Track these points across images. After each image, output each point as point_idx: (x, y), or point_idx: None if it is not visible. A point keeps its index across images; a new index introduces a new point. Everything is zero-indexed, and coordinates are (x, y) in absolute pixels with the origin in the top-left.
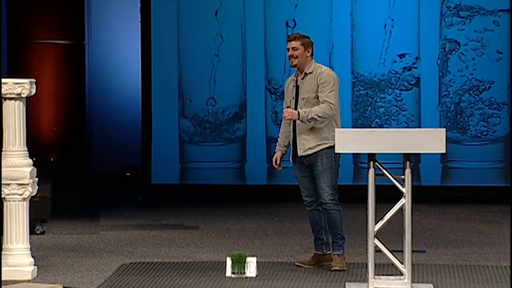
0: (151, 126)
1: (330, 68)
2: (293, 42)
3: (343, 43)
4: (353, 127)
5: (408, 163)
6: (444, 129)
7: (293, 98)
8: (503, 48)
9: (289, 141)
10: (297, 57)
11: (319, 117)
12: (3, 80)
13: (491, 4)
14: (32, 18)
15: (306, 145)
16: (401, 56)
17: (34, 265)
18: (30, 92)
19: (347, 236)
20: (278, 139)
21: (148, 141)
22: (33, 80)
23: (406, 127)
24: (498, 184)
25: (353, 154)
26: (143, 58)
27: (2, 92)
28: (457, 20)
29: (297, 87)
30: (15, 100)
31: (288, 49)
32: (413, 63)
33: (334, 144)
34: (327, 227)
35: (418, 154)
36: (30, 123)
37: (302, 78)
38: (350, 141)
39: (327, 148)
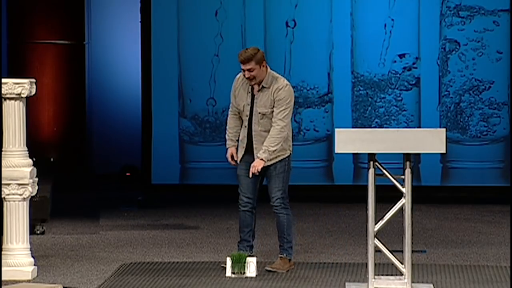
0: (151, 126)
1: (287, 81)
2: (247, 65)
3: (343, 43)
4: (353, 127)
5: (408, 163)
6: (444, 129)
7: (248, 105)
8: (503, 48)
9: (238, 136)
10: (254, 77)
11: (277, 145)
12: (3, 80)
13: (491, 4)
14: (32, 18)
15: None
16: (401, 56)
17: (34, 265)
18: (30, 92)
19: (347, 235)
20: (228, 134)
21: (148, 141)
22: (33, 80)
23: (406, 127)
24: (498, 184)
25: (353, 154)
26: (143, 58)
27: (2, 92)
28: (457, 20)
29: (253, 96)
30: (15, 100)
31: (243, 70)
32: (413, 63)
33: (291, 153)
34: (254, 230)
35: (418, 154)
36: (30, 123)
37: (259, 90)
38: (350, 141)
39: (283, 158)
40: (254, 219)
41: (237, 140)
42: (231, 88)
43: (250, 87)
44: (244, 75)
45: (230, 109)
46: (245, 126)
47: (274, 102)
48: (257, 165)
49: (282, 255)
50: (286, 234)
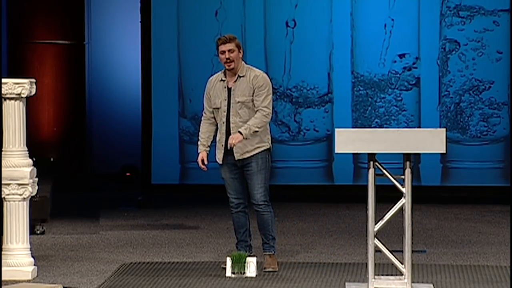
0: (151, 126)
1: (265, 72)
2: (228, 45)
3: (343, 43)
4: (353, 127)
5: (408, 163)
6: (444, 129)
7: (225, 99)
8: (503, 48)
9: (211, 141)
10: (233, 60)
11: (259, 128)
12: (3, 80)
13: (491, 4)
14: (32, 18)
15: (244, 148)
16: (401, 56)
17: (34, 265)
18: (30, 92)
19: (347, 235)
20: (200, 139)
21: (148, 141)
22: (33, 80)
23: (406, 127)
24: (498, 184)
25: (353, 154)
26: (143, 58)
27: (2, 92)
28: (457, 20)
29: (229, 89)
30: (15, 100)
31: (223, 52)
32: (413, 63)
33: (270, 147)
34: (251, 229)
35: (418, 154)
36: (30, 123)
37: (235, 81)
38: (350, 141)
39: (263, 150)
40: (248, 219)
41: (210, 145)
42: (204, 92)
43: (225, 82)
44: (223, 58)
45: (204, 115)
46: (223, 122)
47: (254, 90)
48: (235, 138)
49: (271, 253)
50: (271, 231)
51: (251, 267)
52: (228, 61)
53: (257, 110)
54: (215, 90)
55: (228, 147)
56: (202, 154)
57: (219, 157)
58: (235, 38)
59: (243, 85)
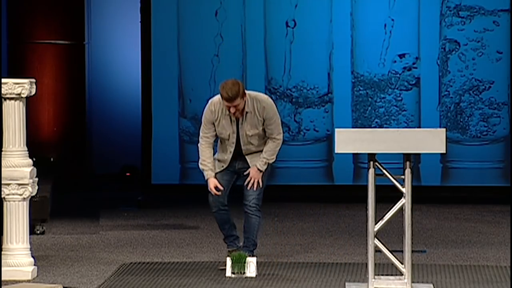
0: (151, 126)
1: (264, 94)
2: (234, 102)
3: (343, 43)
4: (353, 127)
5: (408, 163)
6: (444, 129)
7: (234, 132)
8: (503, 48)
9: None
10: (238, 109)
11: (274, 157)
12: (3, 80)
13: (491, 4)
14: (32, 18)
15: (255, 161)
16: (401, 56)
17: (34, 265)
18: (30, 92)
19: (347, 235)
20: (206, 164)
21: (148, 141)
22: (33, 80)
23: (406, 127)
24: (498, 184)
25: (353, 154)
26: (143, 58)
27: (2, 92)
28: (457, 20)
29: (237, 122)
30: (15, 100)
31: (229, 107)
32: (413, 63)
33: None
34: (234, 222)
35: (418, 154)
36: (30, 123)
37: (243, 116)
38: (350, 141)
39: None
40: (230, 214)
41: (214, 169)
42: (203, 117)
43: (229, 116)
44: (229, 111)
45: (204, 139)
46: (230, 152)
47: (264, 121)
48: (257, 177)
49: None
50: (255, 236)
51: (251, 267)
52: (235, 113)
53: (269, 138)
54: (220, 122)
55: (254, 188)
56: (214, 181)
57: (217, 169)
58: (238, 91)
59: (252, 119)
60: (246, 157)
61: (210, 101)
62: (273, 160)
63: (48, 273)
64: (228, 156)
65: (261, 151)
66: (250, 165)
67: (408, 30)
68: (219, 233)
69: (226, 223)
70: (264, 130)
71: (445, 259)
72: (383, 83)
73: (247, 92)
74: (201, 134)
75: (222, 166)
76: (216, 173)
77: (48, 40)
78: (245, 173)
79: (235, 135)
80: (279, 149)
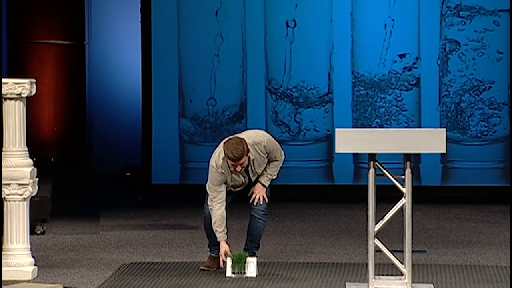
0: (151, 126)
1: (259, 133)
2: (240, 161)
3: (343, 43)
4: (353, 127)
5: (408, 163)
6: (444, 129)
7: (245, 177)
8: (503, 48)
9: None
10: (244, 166)
11: (277, 174)
12: (3, 80)
13: (491, 4)
14: (33, 18)
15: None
16: (401, 56)
17: (34, 265)
18: (31, 92)
19: (347, 236)
20: (218, 229)
21: (148, 141)
22: (33, 80)
23: (406, 127)
24: (498, 184)
25: (354, 154)
26: (143, 58)
27: (3, 92)
28: (457, 20)
29: (246, 170)
30: (15, 100)
31: (235, 166)
32: (413, 63)
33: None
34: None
35: (419, 154)
36: (30, 123)
37: (251, 164)
38: (350, 141)
39: None
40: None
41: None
42: (210, 178)
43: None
44: (234, 169)
45: (214, 200)
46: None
47: (268, 155)
48: (262, 193)
49: None
50: (258, 239)
51: (251, 267)
52: (240, 171)
53: (273, 160)
54: (232, 178)
55: (255, 203)
56: (226, 247)
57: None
58: (243, 151)
59: (259, 160)
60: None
61: (213, 163)
62: (275, 177)
63: (48, 273)
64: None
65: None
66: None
67: (408, 30)
68: None
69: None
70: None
71: (445, 259)
72: (383, 83)
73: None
74: (210, 196)
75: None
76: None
77: (49, 40)
78: (249, 194)
79: (247, 179)
80: (281, 166)
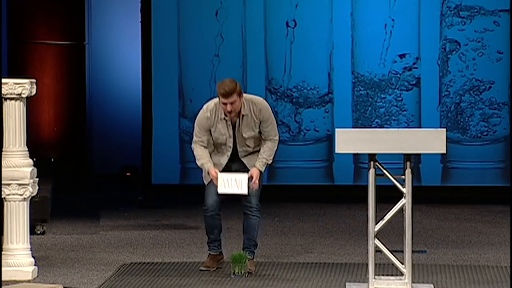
0: (152, 126)
1: (260, 97)
2: (230, 98)
3: (344, 43)
4: (353, 127)
5: (408, 163)
6: (445, 129)
7: (230, 136)
8: (504, 48)
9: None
10: (235, 109)
11: (273, 157)
12: (3, 80)
13: (491, 4)
14: (33, 18)
15: (252, 163)
16: (402, 56)
17: (35, 265)
18: (31, 92)
19: (347, 236)
20: (203, 160)
21: (149, 141)
22: (34, 80)
23: (406, 127)
24: (499, 184)
25: (354, 154)
26: (144, 58)
27: (3, 92)
28: (458, 20)
29: (233, 126)
30: (16, 100)
31: (225, 104)
32: (414, 63)
33: None
34: (221, 230)
35: (419, 154)
36: (31, 123)
37: (240, 119)
38: (350, 141)
39: None
40: (220, 220)
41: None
42: (197, 121)
43: (225, 120)
44: (225, 108)
45: (199, 142)
46: (227, 156)
47: (260, 123)
48: (257, 177)
49: (250, 257)
50: (255, 236)
51: (242, 184)
52: (230, 113)
53: (265, 140)
54: (217, 127)
55: (251, 189)
56: (214, 169)
57: (222, 163)
58: (235, 87)
59: (249, 121)
60: (243, 159)
61: (205, 106)
62: (271, 161)
63: (48, 273)
64: (224, 160)
65: (257, 151)
66: (248, 166)
67: (408, 30)
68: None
69: (216, 228)
70: (260, 132)
71: (445, 259)
72: (383, 83)
73: (244, 95)
74: (194, 138)
75: (221, 167)
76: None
77: (49, 40)
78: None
79: (231, 139)
80: (277, 150)
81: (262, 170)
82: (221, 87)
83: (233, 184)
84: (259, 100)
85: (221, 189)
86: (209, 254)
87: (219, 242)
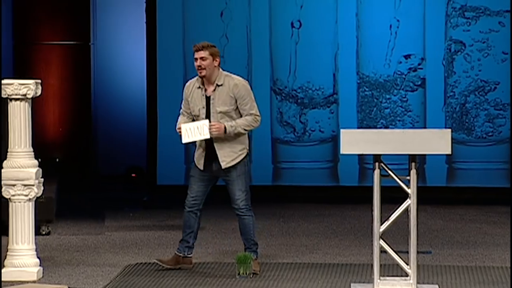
0: (157, 127)
1: (244, 79)
2: (201, 52)
3: (349, 44)
4: (358, 128)
5: (413, 164)
6: (450, 130)
7: (203, 107)
8: (509, 49)
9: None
10: (205, 67)
11: (245, 130)
12: (9, 81)
13: (496, 5)
14: (38, 19)
15: (230, 157)
16: (407, 57)
17: (40, 265)
18: (36, 92)
19: (352, 236)
20: (180, 121)
21: (153, 141)
22: (39, 81)
23: (411, 128)
24: (504, 185)
25: (359, 155)
26: (149, 59)
27: (8, 93)
28: (463, 21)
29: (207, 98)
30: (21, 101)
31: (196, 59)
32: (419, 64)
33: (248, 153)
34: (197, 233)
35: (424, 155)
36: (36, 124)
37: (214, 90)
38: (355, 142)
39: (245, 156)
40: (198, 222)
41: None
42: (182, 95)
43: (202, 89)
44: (195, 65)
45: (182, 112)
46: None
47: (236, 100)
48: (218, 127)
49: (254, 257)
50: (252, 235)
51: (204, 129)
52: (200, 68)
53: (247, 115)
54: (193, 97)
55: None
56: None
57: (200, 162)
58: (210, 46)
59: (223, 94)
60: (218, 152)
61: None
62: (242, 130)
63: (53, 274)
64: (202, 153)
65: (233, 146)
66: (221, 162)
67: (413, 31)
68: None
69: (189, 228)
70: (235, 111)
71: (450, 260)
72: (388, 84)
73: (224, 72)
74: (181, 110)
75: (203, 150)
76: (193, 176)
77: (54, 41)
78: (225, 176)
79: (204, 111)
80: (254, 127)
81: (228, 129)
82: (196, 43)
83: (195, 132)
84: (239, 78)
85: (185, 139)
86: (175, 253)
87: (187, 244)
